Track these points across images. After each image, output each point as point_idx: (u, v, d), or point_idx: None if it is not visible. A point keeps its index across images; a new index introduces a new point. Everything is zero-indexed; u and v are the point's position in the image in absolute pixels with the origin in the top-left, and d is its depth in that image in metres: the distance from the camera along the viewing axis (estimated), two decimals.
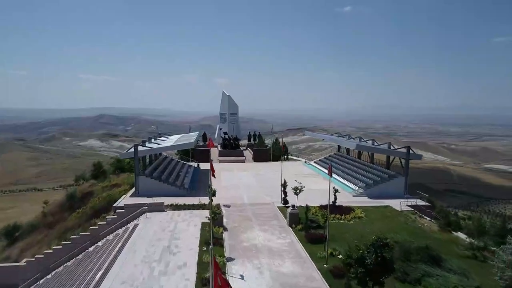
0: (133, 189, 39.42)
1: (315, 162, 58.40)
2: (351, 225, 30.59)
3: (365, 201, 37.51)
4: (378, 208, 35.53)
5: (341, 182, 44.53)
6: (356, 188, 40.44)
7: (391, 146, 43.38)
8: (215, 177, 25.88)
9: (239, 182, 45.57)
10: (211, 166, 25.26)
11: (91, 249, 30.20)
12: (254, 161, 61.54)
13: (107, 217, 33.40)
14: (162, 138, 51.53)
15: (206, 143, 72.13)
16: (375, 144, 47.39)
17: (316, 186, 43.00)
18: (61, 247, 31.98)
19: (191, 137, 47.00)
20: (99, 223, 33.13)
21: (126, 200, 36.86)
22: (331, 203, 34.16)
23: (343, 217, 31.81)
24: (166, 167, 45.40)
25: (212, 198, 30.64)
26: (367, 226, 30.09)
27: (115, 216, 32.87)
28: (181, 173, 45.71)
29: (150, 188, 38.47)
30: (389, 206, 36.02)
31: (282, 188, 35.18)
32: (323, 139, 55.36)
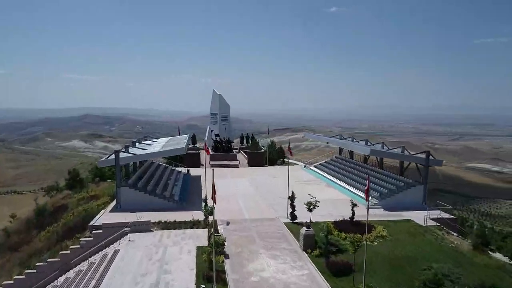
0: (114, 202, 33.52)
1: (315, 166, 53.25)
2: (375, 247, 25.46)
3: (382, 214, 32.51)
4: (399, 223, 30.56)
5: (349, 191, 39.48)
6: (370, 199, 35.35)
7: (405, 151, 38.49)
8: (215, 203, 20.30)
9: (236, 191, 40.04)
10: (213, 189, 19.51)
11: (60, 281, 24.23)
12: (249, 165, 56.06)
13: (81, 239, 27.41)
14: (148, 142, 45.50)
15: (197, 145, 66.34)
16: (386, 148, 42.59)
17: (321, 195, 37.70)
18: (24, 276, 25.91)
19: (181, 141, 41.20)
20: (71, 246, 27.11)
21: (105, 216, 30.90)
22: (348, 219, 29.48)
23: (364, 236, 26.62)
24: (152, 175, 39.48)
25: (209, 217, 25.11)
26: (395, 249, 25.03)
27: (91, 238, 26.93)
28: (169, 182, 39.87)
29: (134, 201, 32.62)
30: (410, 220, 31.09)
31: (290, 201, 29.82)
32: (327, 142, 50.11)
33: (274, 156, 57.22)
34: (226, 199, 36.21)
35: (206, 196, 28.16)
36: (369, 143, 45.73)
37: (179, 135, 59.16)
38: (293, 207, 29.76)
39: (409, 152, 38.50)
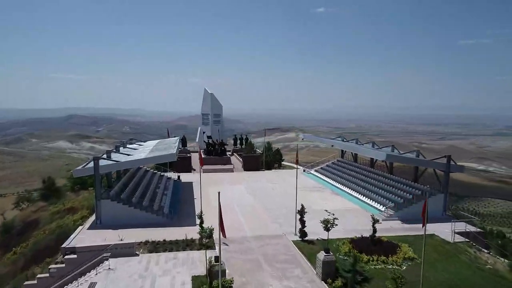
0: (94, 217, 28.63)
1: (316, 170, 49.01)
2: (405, 273, 21.19)
3: (401, 228, 28.44)
4: (419, 238, 26.51)
5: (358, 199, 35.36)
6: (384, 209, 31.31)
7: (420, 155, 34.51)
8: (225, 237, 15.77)
9: (233, 200, 35.50)
10: (221, 223, 14.92)
11: None
12: (244, 169, 51.49)
13: (51, 266, 22.47)
14: (134, 146, 40.51)
15: (187, 147, 61.45)
16: (396, 151, 38.66)
17: (327, 205, 33.67)
18: None
19: (171, 145, 36.42)
20: (38, 275, 22.17)
21: (82, 235, 26.01)
22: (367, 235, 25.27)
23: (389, 259, 22.44)
24: (138, 184, 34.60)
25: (207, 240, 20.52)
26: (429, 275, 20.88)
27: (63, 265, 22.05)
28: (158, 190, 35.09)
29: (117, 215, 27.81)
30: (434, 234, 27.06)
31: (299, 216, 25.45)
32: (332, 145, 45.88)
33: (270, 159, 52.77)
34: (222, 211, 31.59)
35: (201, 212, 23.60)
36: (375, 146, 41.74)
37: (169, 137, 54.27)
38: (303, 222, 25.40)
39: (424, 157, 34.54)
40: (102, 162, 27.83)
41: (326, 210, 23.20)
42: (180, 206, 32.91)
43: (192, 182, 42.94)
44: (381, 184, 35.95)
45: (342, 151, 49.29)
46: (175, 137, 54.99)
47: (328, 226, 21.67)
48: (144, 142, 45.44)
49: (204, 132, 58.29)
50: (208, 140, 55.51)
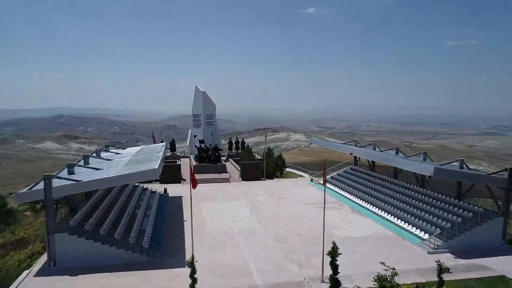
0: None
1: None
2: None
3: (456, 266, 21.15)
4: (488, 283, 19.42)
5: (389, 221, 28.09)
6: (428, 238, 24.08)
7: (464, 165, 27.39)
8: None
9: (232, 224, 27.94)
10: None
11: None
12: (242, 179, 43.87)
13: None
14: (109, 154, 32.44)
15: (177, 152, 53.64)
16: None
17: (354, 230, 26.60)
18: None
19: (154, 154, 28.58)
20: None
21: (27, 285, 18.20)
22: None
23: None
24: (112, 205, 26.74)
25: None
26: None
27: None
28: (138, 211, 27.32)
29: (78, 254, 20.06)
30: (504, 277, 19.92)
31: (330, 259, 18.02)
32: (350, 153, 38.54)
33: (272, 168, 45.28)
34: (220, 243, 24.05)
35: (193, 256, 16.02)
36: (400, 153, 34.58)
37: (154, 142, 46.40)
38: (335, 268, 17.95)
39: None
40: (56, 183, 19.95)
41: (383, 264, 15.74)
42: (165, 234, 25.16)
43: (181, 197, 35.29)
44: (413, 201, 28.79)
45: (355, 157, 42.02)
46: (162, 141, 47.19)
47: (383, 283, 14.20)
48: (124, 149, 37.42)
49: (195, 136, 50.52)
50: (200, 145, 47.75)
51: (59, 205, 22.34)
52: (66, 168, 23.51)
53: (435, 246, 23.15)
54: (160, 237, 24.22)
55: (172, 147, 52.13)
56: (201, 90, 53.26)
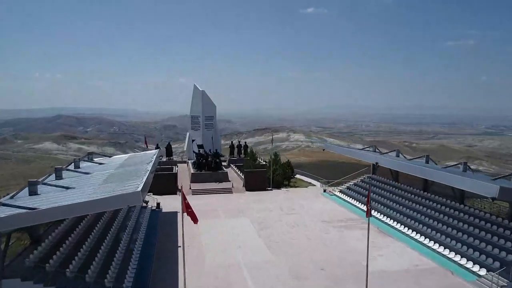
0: None
1: (340, 191, 36.48)
2: None
3: None
4: None
5: (428, 247, 22.89)
6: (485, 274, 18.87)
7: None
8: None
9: (237, 253, 22.65)
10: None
11: None
12: (246, 189, 38.67)
13: None
14: (89, 166, 27.10)
15: (173, 158, 48.44)
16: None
17: (389, 261, 21.52)
18: None
19: (144, 165, 23.33)
20: None
21: None
22: None
23: None
24: (89, 229, 21.47)
25: None
26: None
27: None
28: (122, 235, 22.09)
29: None
30: None
31: None
32: (376, 163, 33.33)
33: (279, 176, 40.06)
34: (222, 275, 18.83)
35: None
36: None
37: (146, 147, 41.16)
38: None
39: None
40: (3, 211, 14.66)
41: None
42: (153, 271, 19.88)
43: (177, 212, 30.03)
44: (456, 222, 23.64)
45: (373, 164, 36.71)
46: (157, 147, 41.94)
47: None
48: (110, 157, 32.13)
49: (193, 140, 45.27)
50: (199, 151, 42.44)
51: (13, 235, 17.11)
52: (28, 188, 18.21)
53: (499, 287, 17.96)
54: (146, 274, 18.94)
55: (168, 151, 46.87)
56: (200, 89, 48.00)
